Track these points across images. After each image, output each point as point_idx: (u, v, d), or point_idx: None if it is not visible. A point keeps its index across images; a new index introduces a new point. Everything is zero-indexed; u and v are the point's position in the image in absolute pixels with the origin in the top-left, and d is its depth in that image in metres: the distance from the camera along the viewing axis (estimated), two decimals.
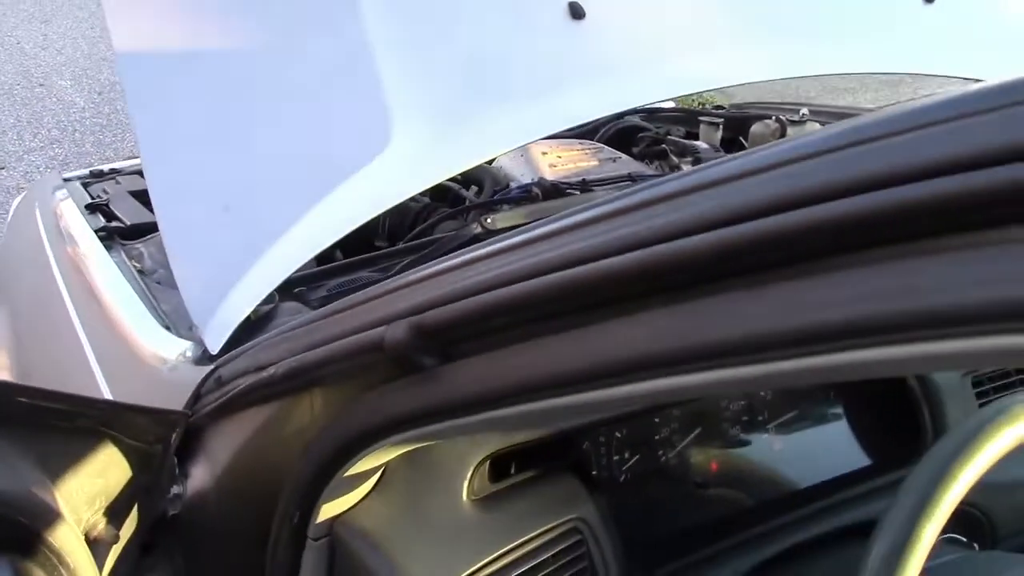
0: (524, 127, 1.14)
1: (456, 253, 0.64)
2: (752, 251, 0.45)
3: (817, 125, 2.07)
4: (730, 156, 0.54)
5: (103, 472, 0.70)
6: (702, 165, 0.55)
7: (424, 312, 0.61)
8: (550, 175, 1.79)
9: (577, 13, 1.19)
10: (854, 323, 0.42)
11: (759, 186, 0.47)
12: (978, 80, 1.47)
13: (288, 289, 1.13)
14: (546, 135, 1.45)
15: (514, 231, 0.63)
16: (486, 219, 1.19)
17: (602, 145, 2.00)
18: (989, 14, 1.45)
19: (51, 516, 0.64)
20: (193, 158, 1.00)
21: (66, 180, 1.77)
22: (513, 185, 1.72)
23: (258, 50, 1.04)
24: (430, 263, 0.66)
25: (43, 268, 1.43)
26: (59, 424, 0.64)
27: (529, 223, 1.22)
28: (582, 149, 1.92)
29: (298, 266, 0.99)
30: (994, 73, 1.44)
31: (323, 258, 1.51)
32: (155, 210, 0.99)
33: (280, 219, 1.00)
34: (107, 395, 1.07)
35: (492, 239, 0.64)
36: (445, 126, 1.09)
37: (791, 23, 1.29)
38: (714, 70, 1.22)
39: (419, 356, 0.61)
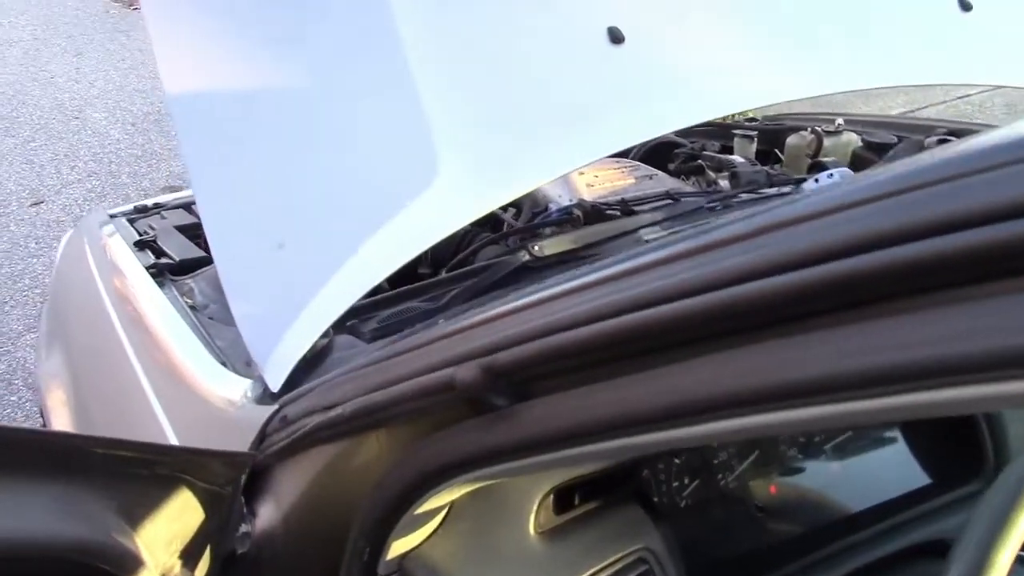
0: (568, 155, 1.15)
1: (525, 292, 0.65)
2: (823, 294, 0.46)
3: (853, 135, 2.06)
4: (802, 194, 0.54)
5: (179, 516, 0.72)
6: (770, 205, 0.56)
7: (496, 352, 0.61)
8: (588, 195, 1.79)
9: (616, 38, 1.20)
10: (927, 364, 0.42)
11: (830, 228, 0.47)
12: (1018, 87, 1.46)
13: (340, 323, 1.14)
14: (591, 162, 1.46)
15: (578, 269, 0.64)
16: (533, 246, 1.20)
17: (638, 163, 2.01)
18: None
19: (132, 562, 0.65)
20: (246, 196, 1.02)
21: (112, 216, 1.79)
22: (552, 207, 1.72)
23: (305, 88, 1.05)
24: (499, 302, 0.67)
25: (97, 306, 1.45)
26: (138, 472, 0.66)
27: (577, 248, 1.24)
28: (618, 168, 1.93)
29: (353, 301, 1.00)
30: None
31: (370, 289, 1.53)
32: (211, 248, 1.01)
33: (333, 255, 1.01)
34: (168, 432, 1.09)
35: (558, 277, 0.65)
36: (490, 158, 1.10)
37: (828, 38, 1.29)
38: (755, 89, 1.22)
39: (491, 397, 0.62)
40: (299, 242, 1.01)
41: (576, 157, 1.16)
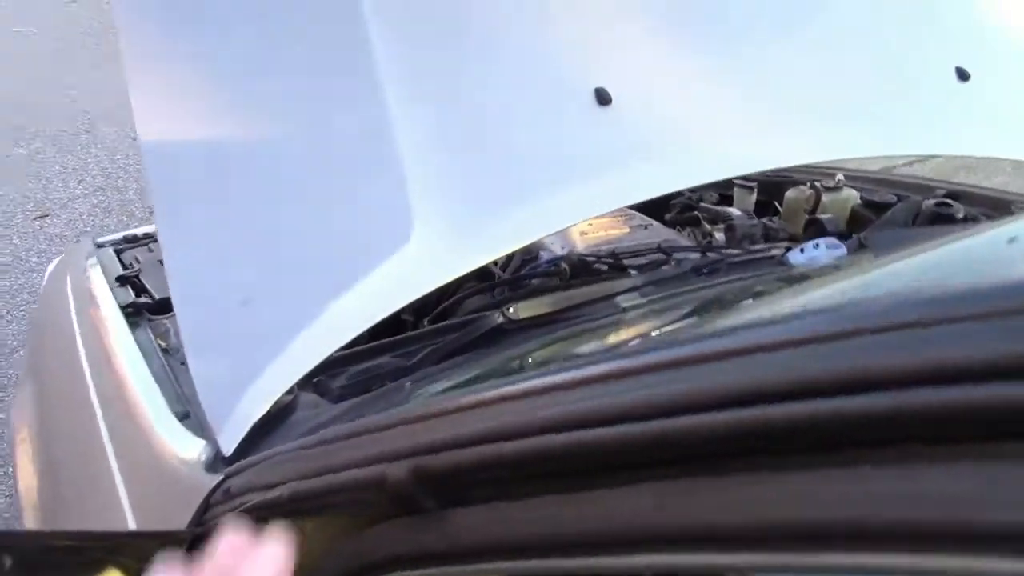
0: (551, 217, 1.13)
1: (464, 393, 0.63)
2: (750, 437, 0.44)
3: (853, 192, 2.04)
4: (757, 323, 0.52)
5: None
6: (717, 331, 0.53)
7: (427, 454, 0.59)
8: (580, 243, 1.77)
9: (604, 99, 1.18)
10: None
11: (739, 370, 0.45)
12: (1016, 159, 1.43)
13: (307, 378, 1.12)
14: (575, 223, 1.45)
15: (526, 377, 0.61)
16: (508, 308, 1.17)
17: (634, 212, 1.99)
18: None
19: None
20: (214, 249, 1.00)
21: (99, 246, 1.78)
22: (543, 255, 1.71)
23: (282, 141, 1.04)
24: (435, 403, 0.64)
25: (69, 342, 1.43)
26: (70, 559, 0.63)
27: (553, 312, 1.22)
28: (614, 216, 1.91)
29: (316, 363, 0.98)
30: None
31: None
32: (174, 304, 0.99)
33: (299, 315, 0.99)
34: (120, 490, 1.07)
35: (512, 378, 0.62)
36: (467, 219, 1.08)
37: (824, 105, 1.27)
38: (743, 155, 1.20)
39: (420, 498, 0.59)
40: (265, 299, 0.99)
41: (557, 220, 1.14)
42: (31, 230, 3.98)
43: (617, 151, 1.17)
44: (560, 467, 0.52)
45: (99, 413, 1.22)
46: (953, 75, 1.41)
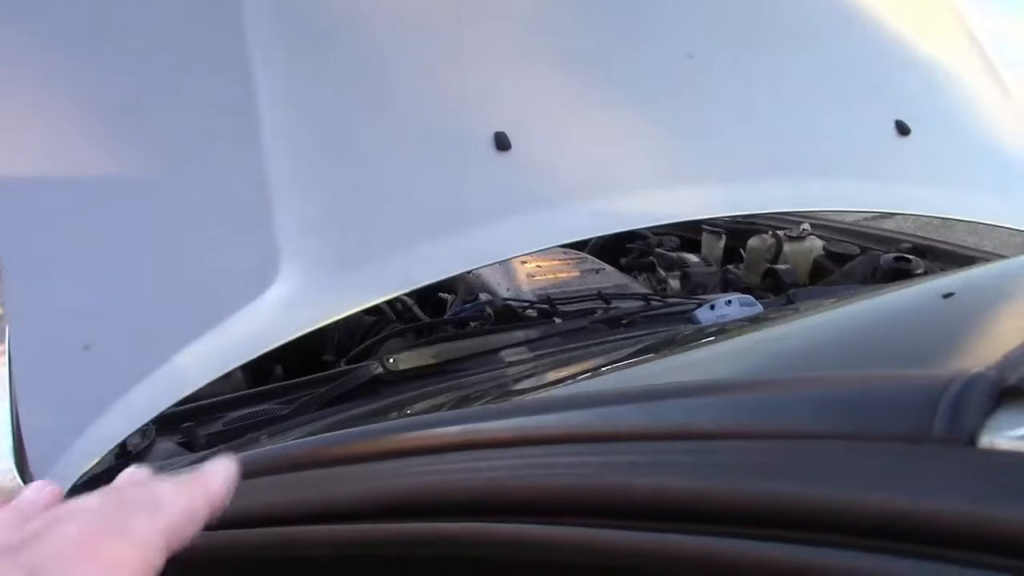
0: (439, 264, 1.08)
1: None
2: None
3: (817, 242, 1.97)
4: None
5: None
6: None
7: None
8: (527, 285, 1.72)
9: (503, 144, 1.13)
10: None
11: None
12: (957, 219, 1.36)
13: (173, 423, 1.07)
14: (467, 269, 1.39)
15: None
16: (388, 358, 1.12)
17: (586, 255, 1.93)
18: (964, 149, 1.35)
19: None
20: (57, 289, 0.95)
21: None
22: (482, 298, 1.65)
23: (138, 167, 0.99)
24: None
25: None
26: None
27: (434, 364, 1.16)
28: (564, 259, 1.86)
29: (157, 413, 0.93)
30: (966, 212, 1.33)
31: (258, 377, 1.46)
32: (7, 344, 0.94)
33: (146, 359, 0.94)
34: None
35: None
36: (340, 266, 1.03)
37: (739, 156, 1.21)
38: (645, 207, 1.14)
39: None
40: (109, 343, 0.94)
41: (444, 267, 1.09)
42: None
43: (514, 198, 1.12)
44: None
45: None
46: (893, 130, 1.35)
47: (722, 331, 1.10)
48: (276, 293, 0.99)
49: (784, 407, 0.35)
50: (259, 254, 1.00)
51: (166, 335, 0.95)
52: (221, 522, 0.44)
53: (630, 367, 0.86)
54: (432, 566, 0.42)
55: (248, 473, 0.51)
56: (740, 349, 0.83)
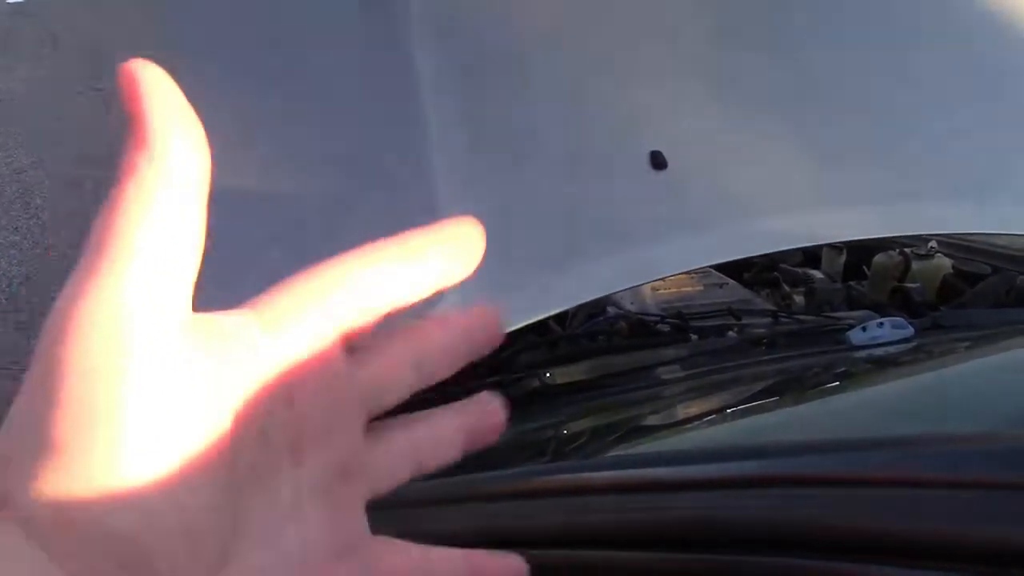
0: (596, 283, 1.10)
1: None
2: None
3: (945, 261, 1.94)
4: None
5: None
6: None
7: None
8: (652, 299, 1.73)
9: (659, 163, 1.15)
10: None
11: None
12: None
13: None
14: (623, 289, 1.41)
15: None
16: (545, 374, 1.15)
17: (710, 269, 1.93)
18: None
19: None
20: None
21: None
22: (610, 311, 1.66)
23: (315, 198, 1.04)
24: None
25: None
26: None
27: (591, 380, 1.18)
28: (689, 273, 1.86)
29: None
30: None
31: None
32: None
33: None
34: None
35: None
36: (508, 282, 1.06)
37: (892, 179, 1.20)
38: (799, 227, 1.15)
39: None
40: None
41: (606, 285, 1.12)
42: None
43: (670, 217, 1.14)
44: None
45: None
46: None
47: (890, 361, 1.10)
48: (444, 309, 1.02)
49: None
50: None
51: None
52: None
53: (819, 397, 0.87)
54: None
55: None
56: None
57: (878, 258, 1.97)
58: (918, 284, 1.82)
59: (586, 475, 0.52)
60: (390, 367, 0.30)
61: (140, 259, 0.24)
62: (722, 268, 2.03)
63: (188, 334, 0.25)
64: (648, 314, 1.57)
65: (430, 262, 0.30)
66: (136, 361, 0.23)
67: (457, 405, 0.32)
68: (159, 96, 0.25)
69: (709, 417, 0.95)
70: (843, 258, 2.10)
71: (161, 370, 0.24)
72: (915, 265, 1.92)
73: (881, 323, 1.18)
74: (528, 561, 0.30)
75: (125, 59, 0.25)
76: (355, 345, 0.29)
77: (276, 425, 0.27)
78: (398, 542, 0.30)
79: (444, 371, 0.31)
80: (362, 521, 0.29)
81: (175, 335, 0.24)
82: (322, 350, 0.27)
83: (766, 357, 1.16)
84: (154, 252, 0.24)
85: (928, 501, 0.38)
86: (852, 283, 1.98)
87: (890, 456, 0.42)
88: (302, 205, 1.04)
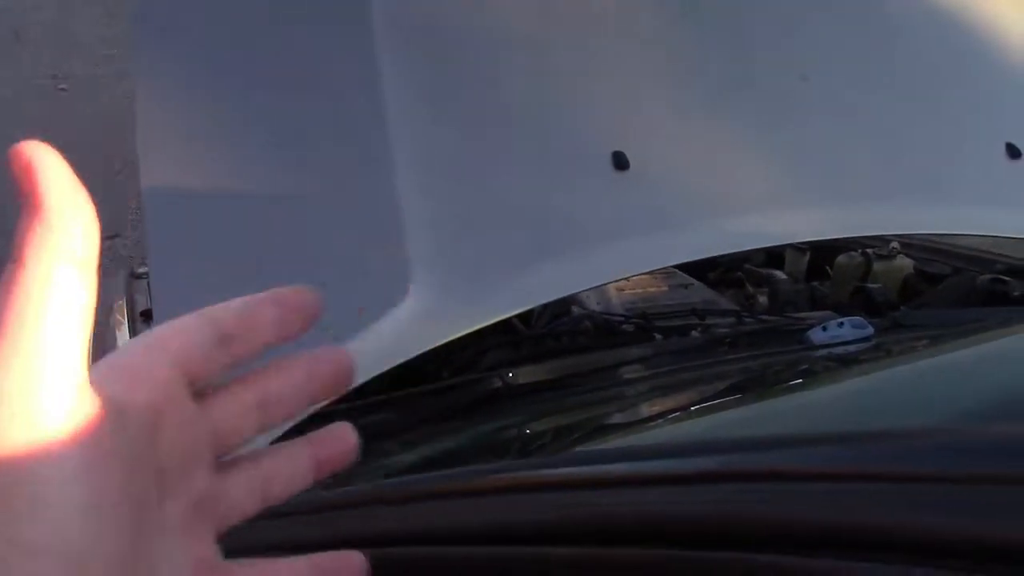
0: (559, 282, 1.10)
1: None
2: None
3: (907, 261, 1.96)
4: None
5: None
6: None
7: None
8: (617, 299, 1.73)
9: (621, 163, 1.15)
10: None
11: None
12: None
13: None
14: (582, 289, 1.41)
15: None
16: (509, 373, 1.14)
17: (675, 270, 1.93)
18: None
19: None
20: (196, 297, 0.99)
21: (136, 276, 1.80)
22: (575, 311, 1.66)
23: (274, 188, 1.03)
24: None
25: None
26: None
27: (554, 379, 1.18)
28: (653, 273, 1.86)
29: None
30: None
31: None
32: None
33: None
34: None
35: None
36: (470, 281, 1.05)
37: (852, 180, 1.21)
38: (761, 228, 1.15)
39: None
40: None
41: (566, 284, 1.12)
42: (102, 248, 4.07)
43: (632, 217, 1.14)
44: None
45: None
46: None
47: (849, 359, 1.11)
48: (407, 308, 1.02)
49: None
50: (390, 266, 1.03)
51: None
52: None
53: (779, 395, 0.87)
54: None
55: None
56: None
57: (840, 259, 1.99)
58: (880, 284, 1.84)
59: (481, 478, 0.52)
60: (235, 411, 0.32)
61: (43, 336, 0.26)
62: (687, 268, 2.04)
63: (83, 397, 0.27)
64: (613, 314, 1.57)
65: (269, 330, 0.33)
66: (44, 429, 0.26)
67: (310, 435, 0.35)
68: (54, 175, 0.26)
69: (672, 415, 0.96)
70: (806, 258, 2.12)
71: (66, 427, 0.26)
72: (877, 265, 1.94)
73: (841, 323, 1.19)
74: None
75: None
76: (202, 390, 0.32)
77: (145, 467, 0.29)
78: (245, 561, 0.32)
79: (290, 412, 0.34)
80: (215, 550, 0.32)
81: (74, 398, 0.26)
82: (173, 397, 0.30)
83: (729, 356, 1.16)
84: (55, 328, 0.26)
85: (878, 494, 0.38)
86: (815, 283, 1.99)
87: (842, 451, 0.42)
88: (263, 205, 1.03)
